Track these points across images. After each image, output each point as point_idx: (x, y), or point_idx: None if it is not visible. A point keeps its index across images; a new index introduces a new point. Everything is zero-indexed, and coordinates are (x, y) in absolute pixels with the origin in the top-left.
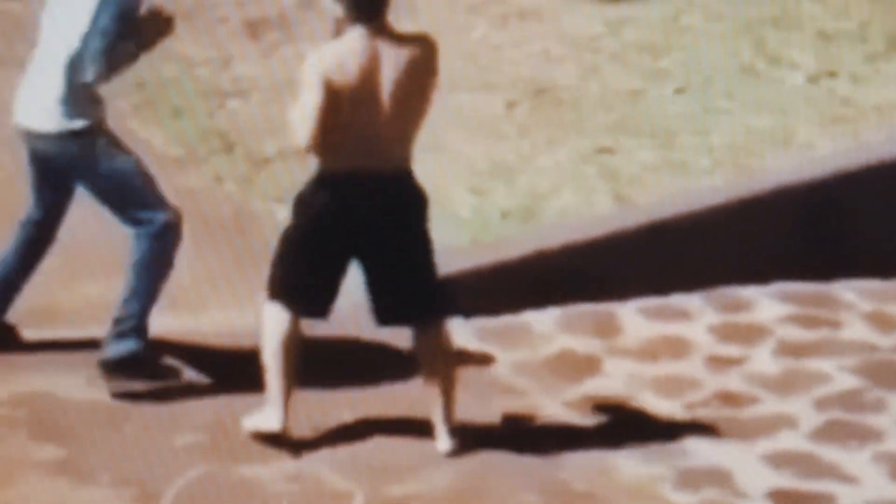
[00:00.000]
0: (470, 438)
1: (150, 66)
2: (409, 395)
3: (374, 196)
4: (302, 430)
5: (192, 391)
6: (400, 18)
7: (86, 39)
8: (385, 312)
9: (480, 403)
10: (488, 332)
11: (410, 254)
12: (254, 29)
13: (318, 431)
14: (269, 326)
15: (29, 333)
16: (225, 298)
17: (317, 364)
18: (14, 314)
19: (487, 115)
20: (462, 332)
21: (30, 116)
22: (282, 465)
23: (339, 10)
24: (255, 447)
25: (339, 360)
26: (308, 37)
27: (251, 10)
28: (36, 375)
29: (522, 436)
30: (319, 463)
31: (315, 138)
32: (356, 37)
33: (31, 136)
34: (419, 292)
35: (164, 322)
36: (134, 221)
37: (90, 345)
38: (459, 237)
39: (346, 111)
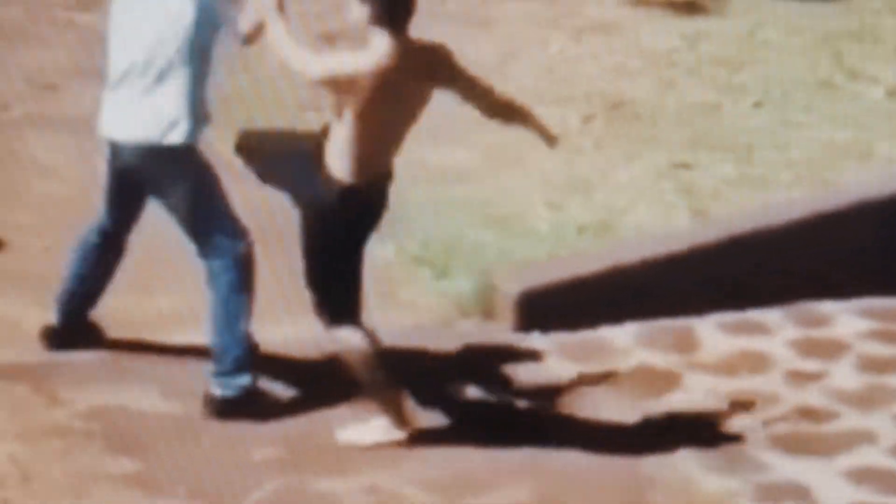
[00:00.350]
0: (549, 452)
1: (227, 76)
2: (482, 407)
3: (384, 200)
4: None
5: (269, 404)
6: (475, 34)
7: (179, 49)
8: None
9: (559, 418)
10: (566, 346)
11: None
12: (333, 41)
13: (393, 444)
14: (354, 344)
15: (103, 346)
16: (292, 309)
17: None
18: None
19: (564, 129)
20: (540, 346)
21: (118, 128)
22: (358, 478)
23: (364, 14)
24: (332, 460)
25: (407, 373)
26: None
27: (331, 22)
28: (110, 388)
29: (601, 450)
30: (396, 476)
31: (330, 83)
32: (390, 42)
33: (119, 148)
34: None
35: None
36: (207, 248)
37: (164, 357)
38: (536, 252)
39: (382, 114)
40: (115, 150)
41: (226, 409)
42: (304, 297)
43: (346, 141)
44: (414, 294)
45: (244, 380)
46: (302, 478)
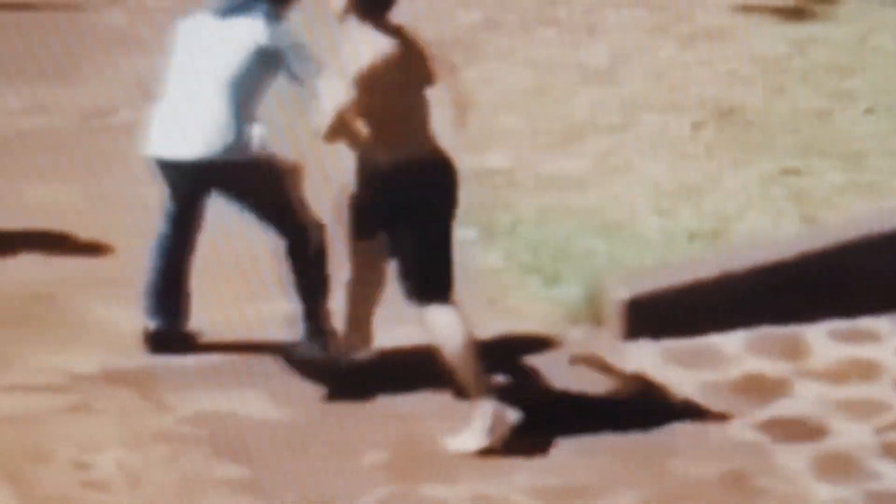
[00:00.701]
0: (657, 459)
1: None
2: (591, 414)
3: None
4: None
5: (377, 409)
6: (583, 40)
7: (245, 65)
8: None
9: (668, 425)
10: (675, 353)
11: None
12: (437, 48)
13: (501, 451)
14: (446, 331)
15: (209, 351)
16: (405, 316)
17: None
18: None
19: (674, 135)
20: (649, 353)
21: (180, 145)
22: (466, 485)
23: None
24: (439, 467)
25: (514, 380)
26: (491, 57)
27: (433, 30)
28: (216, 393)
29: (711, 458)
30: (504, 484)
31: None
32: (378, 31)
33: (179, 164)
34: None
35: None
36: (281, 233)
37: (272, 363)
38: (646, 258)
39: (395, 101)
40: (175, 166)
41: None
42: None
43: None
44: (522, 301)
45: (317, 349)
46: (410, 484)
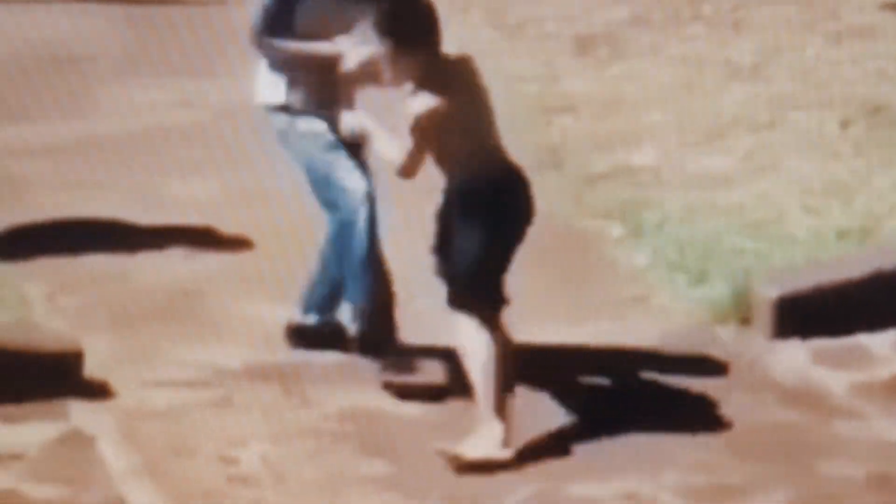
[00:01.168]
0: (804, 460)
1: None
2: (738, 414)
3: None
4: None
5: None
6: (729, 37)
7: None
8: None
9: (816, 426)
10: (825, 353)
11: None
12: (583, 44)
13: (649, 449)
14: (474, 343)
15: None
16: (553, 316)
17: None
18: None
19: (822, 133)
20: (797, 353)
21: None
22: (615, 484)
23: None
24: (586, 465)
25: (660, 380)
26: (638, 53)
27: (580, 25)
28: (362, 390)
29: (858, 459)
30: (653, 483)
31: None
32: (440, 66)
33: None
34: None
35: None
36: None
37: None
38: (794, 257)
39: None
40: None
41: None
42: (568, 304)
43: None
44: (668, 299)
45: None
46: (556, 482)
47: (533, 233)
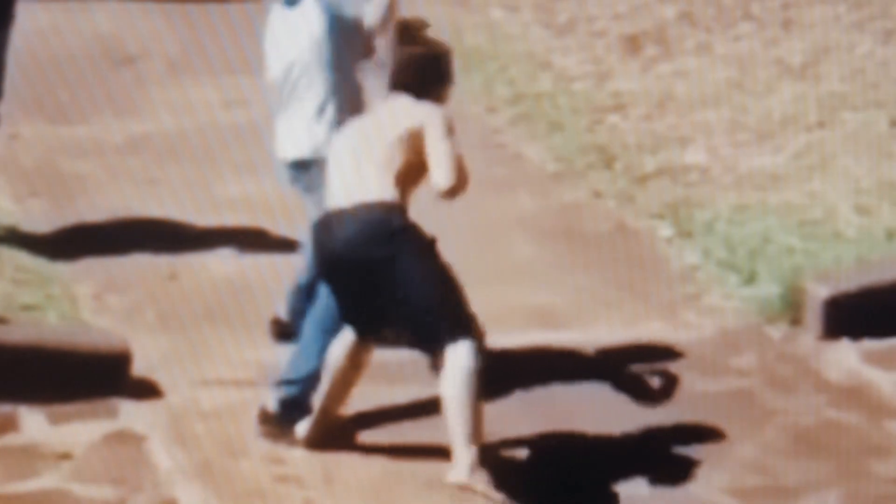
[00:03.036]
0: (856, 460)
1: (527, 80)
2: (789, 415)
3: None
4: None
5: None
6: (779, 35)
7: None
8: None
9: (867, 426)
10: (874, 353)
11: None
12: (632, 43)
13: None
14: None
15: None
16: (603, 314)
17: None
18: None
19: (873, 132)
20: (848, 353)
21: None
22: (671, 482)
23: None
24: (641, 464)
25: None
26: (687, 52)
27: (629, 24)
28: (408, 389)
29: None
30: (706, 485)
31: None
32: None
33: None
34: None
35: (542, 337)
36: None
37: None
38: (845, 257)
39: None
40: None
41: None
42: (617, 303)
43: None
44: (719, 298)
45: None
46: (614, 480)
47: (581, 230)
